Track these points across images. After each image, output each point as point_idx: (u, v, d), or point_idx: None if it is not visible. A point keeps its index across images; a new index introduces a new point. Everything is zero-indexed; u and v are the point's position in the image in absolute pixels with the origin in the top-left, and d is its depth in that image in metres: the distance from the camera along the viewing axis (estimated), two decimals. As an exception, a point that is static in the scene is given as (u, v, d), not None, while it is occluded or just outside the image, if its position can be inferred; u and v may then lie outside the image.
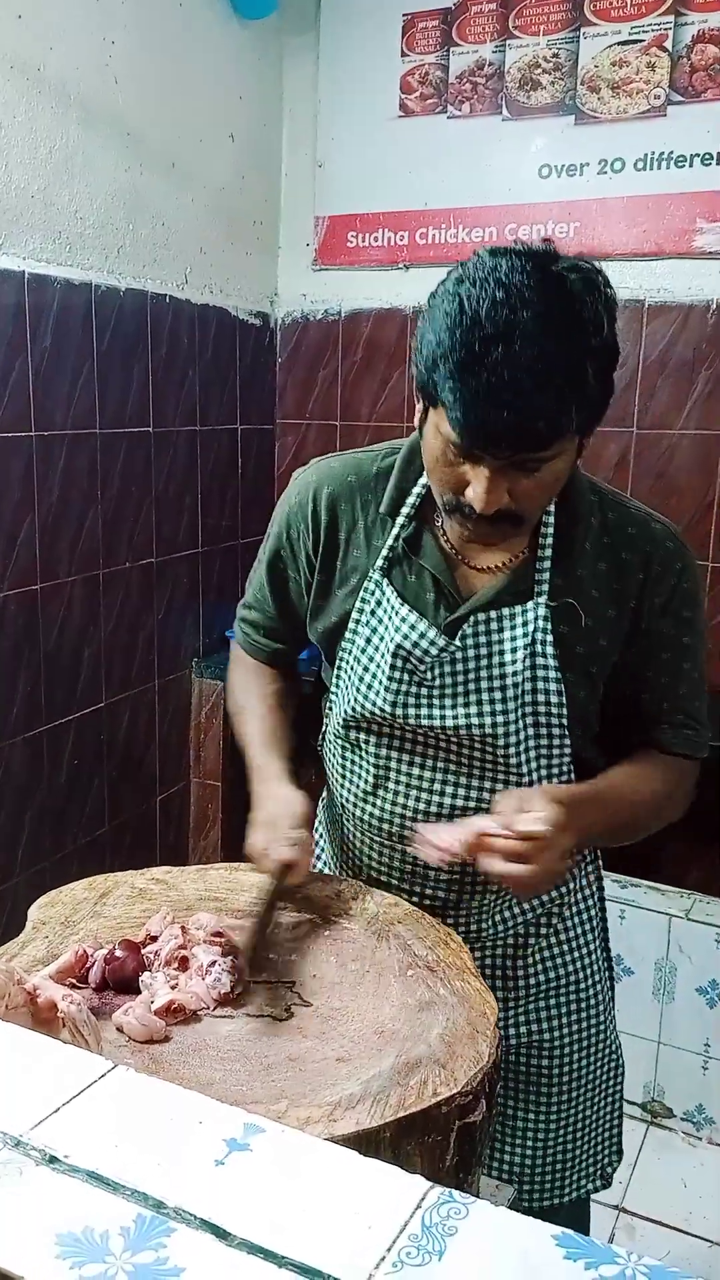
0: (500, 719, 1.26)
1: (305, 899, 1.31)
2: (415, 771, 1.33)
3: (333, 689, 1.40)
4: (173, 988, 1.05)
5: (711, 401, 2.61)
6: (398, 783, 1.34)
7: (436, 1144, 0.95)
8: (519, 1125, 1.42)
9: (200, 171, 2.68)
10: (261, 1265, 0.53)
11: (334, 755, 1.43)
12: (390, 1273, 0.53)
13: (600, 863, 1.51)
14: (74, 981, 1.08)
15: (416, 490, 1.30)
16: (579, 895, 1.44)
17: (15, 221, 2.13)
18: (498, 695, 1.26)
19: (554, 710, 1.27)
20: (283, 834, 1.24)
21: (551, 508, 1.26)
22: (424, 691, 1.29)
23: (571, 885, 1.42)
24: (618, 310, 1.12)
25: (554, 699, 1.26)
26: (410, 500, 1.31)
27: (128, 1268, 0.52)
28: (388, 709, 1.30)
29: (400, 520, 1.31)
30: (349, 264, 2.99)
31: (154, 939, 1.15)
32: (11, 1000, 0.94)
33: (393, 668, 1.28)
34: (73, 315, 2.29)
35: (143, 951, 1.11)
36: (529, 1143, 1.42)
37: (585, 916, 1.45)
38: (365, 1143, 0.89)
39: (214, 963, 1.08)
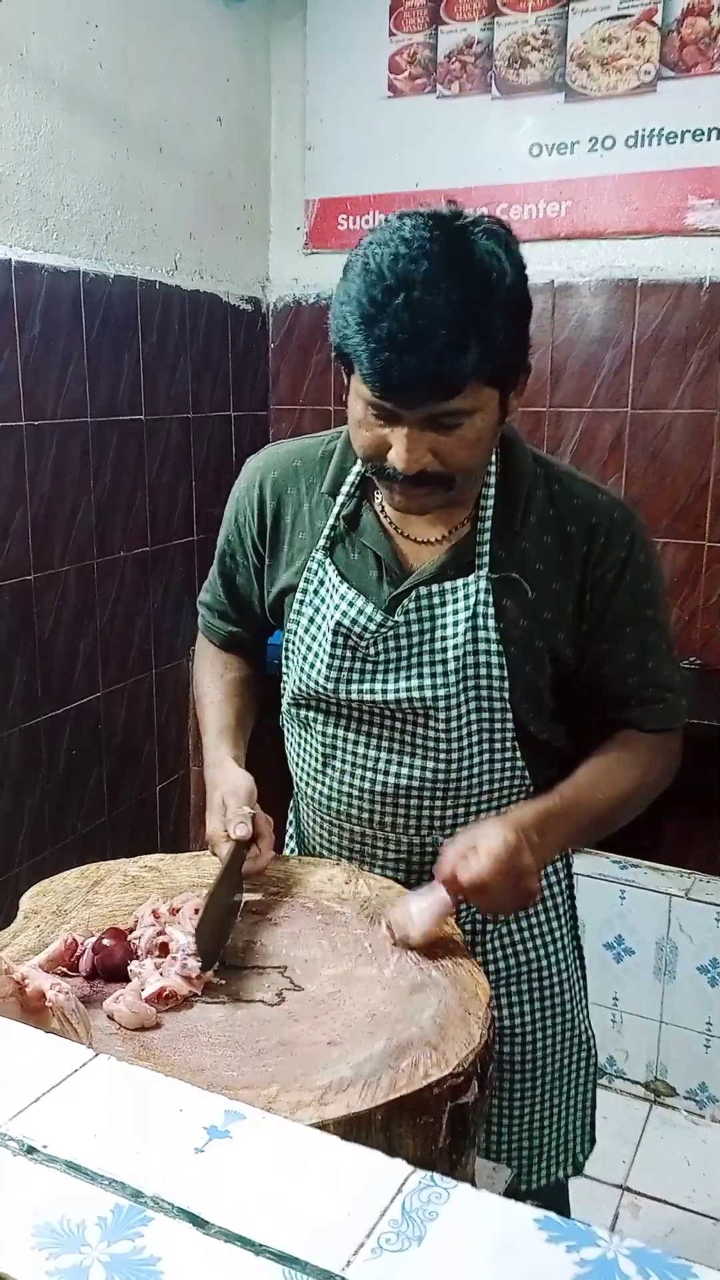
0: (441, 691, 1.26)
1: (298, 882, 1.30)
2: (360, 750, 1.34)
3: (284, 669, 1.41)
4: (162, 974, 1.05)
5: (705, 381, 2.59)
6: (344, 761, 1.35)
7: (429, 1126, 0.95)
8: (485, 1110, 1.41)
9: (188, 156, 2.66)
10: (239, 1253, 0.53)
11: (287, 735, 1.45)
12: (369, 1259, 0.53)
13: (569, 852, 1.50)
14: (64, 970, 1.08)
15: (356, 469, 1.31)
16: (543, 883, 1.42)
17: (0, 209, 2.11)
18: (438, 668, 1.26)
19: (495, 684, 1.27)
20: (233, 813, 1.25)
21: (492, 480, 1.26)
22: (366, 667, 1.29)
23: None
24: (526, 263, 1.13)
25: (495, 672, 1.26)
26: (350, 479, 1.32)
27: (104, 1258, 0.52)
28: (329, 685, 1.31)
29: (340, 499, 1.32)
30: (340, 247, 2.96)
31: (156, 917, 1.15)
32: (0, 990, 0.94)
33: (333, 645, 1.29)
34: (61, 303, 2.28)
35: (129, 939, 1.11)
36: (494, 1128, 1.42)
37: (551, 904, 1.44)
38: (356, 1126, 0.89)
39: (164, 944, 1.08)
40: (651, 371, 2.64)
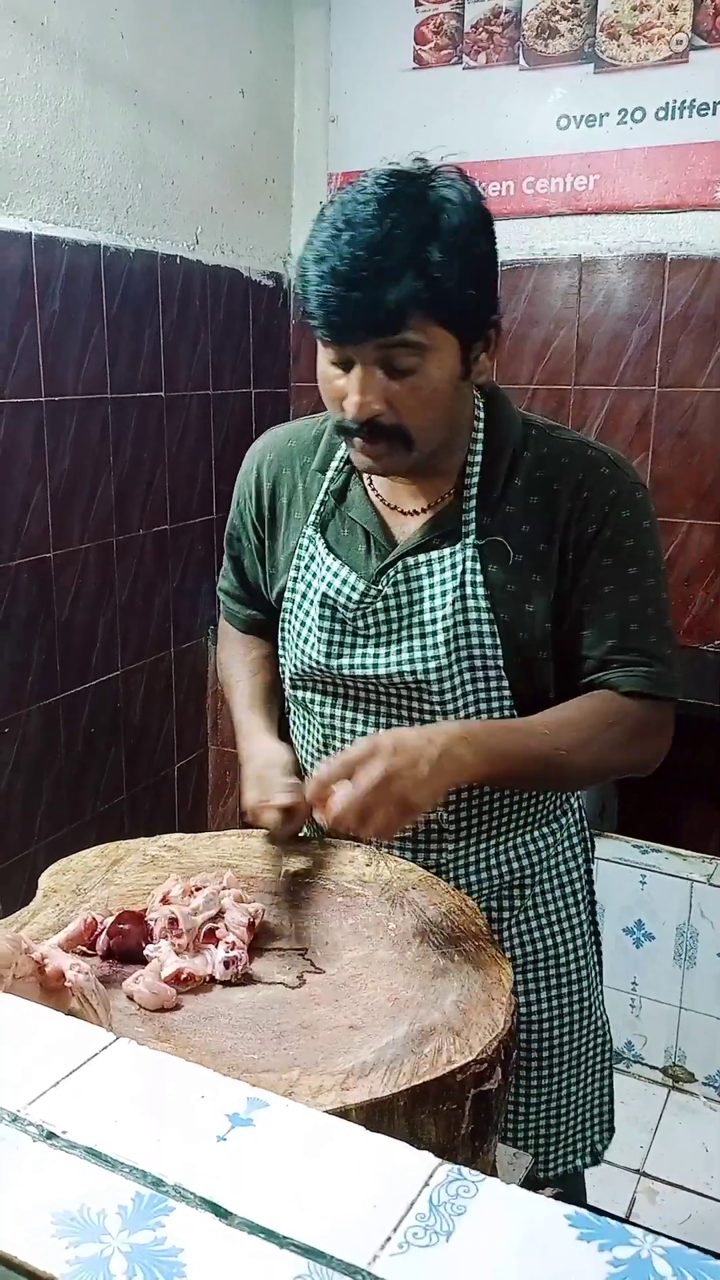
0: (432, 664, 1.24)
1: (318, 863, 1.29)
2: (359, 729, 1.32)
3: (281, 651, 1.41)
4: (180, 956, 1.04)
5: (735, 358, 2.54)
6: (344, 741, 1.34)
7: (451, 1113, 0.93)
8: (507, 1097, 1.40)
9: (210, 128, 2.63)
10: (262, 1245, 0.51)
11: (290, 718, 1.45)
12: (395, 1254, 0.51)
13: (588, 834, 1.48)
14: (83, 949, 1.06)
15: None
16: (561, 867, 1.41)
17: (21, 182, 2.09)
18: (428, 640, 1.24)
19: (488, 652, 1.24)
20: (276, 783, 1.26)
21: (479, 447, 1.25)
22: (356, 640, 1.28)
23: (549, 853, 1.39)
24: (493, 217, 1.13)
25: (487, 640, 1.23)
26: (340, 454, 1.31)
27: (124, 1248, 0.51)
28: (321, 659, 1.30)
29: (329, 474, 1.32)
30: (363, 222, 2.92)
31: (165, 902, 1.14)
32: (19, 969, 0.93)
33: (321, 617, 1.29)
34: (81, 277, 2.26)
35: (146, 919, 1.09)
36: (511, 1115, 1.40)
37: (569, 889, 1.41)
38: (379, 1111, 0.87)
39: (211, 930, 1.06)
40: (680, 349, 2.60)
